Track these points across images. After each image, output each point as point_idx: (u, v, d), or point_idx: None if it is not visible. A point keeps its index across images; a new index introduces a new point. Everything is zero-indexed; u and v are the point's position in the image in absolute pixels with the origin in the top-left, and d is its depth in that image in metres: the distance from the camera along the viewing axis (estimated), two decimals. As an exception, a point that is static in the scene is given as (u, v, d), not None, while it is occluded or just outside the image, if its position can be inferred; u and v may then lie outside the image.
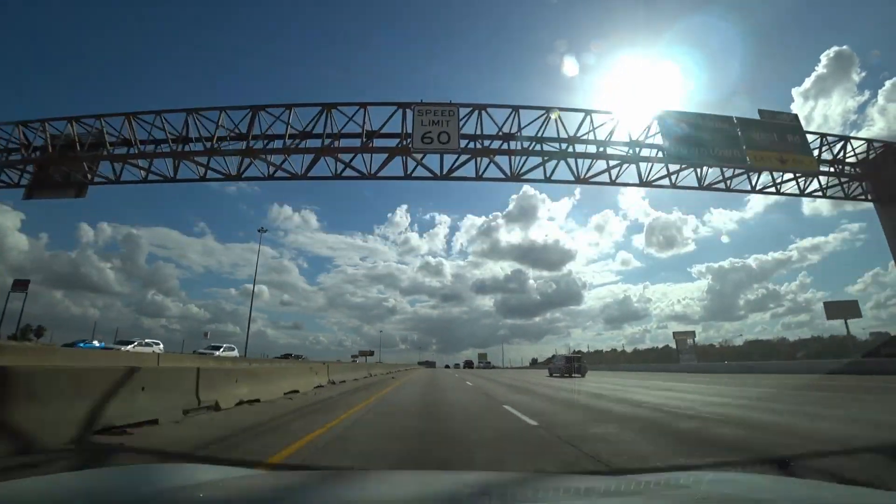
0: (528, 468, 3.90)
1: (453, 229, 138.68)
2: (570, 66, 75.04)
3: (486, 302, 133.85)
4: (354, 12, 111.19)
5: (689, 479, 1.82)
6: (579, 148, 15.94)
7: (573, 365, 29.76)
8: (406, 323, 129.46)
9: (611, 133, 15.98)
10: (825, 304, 34.67)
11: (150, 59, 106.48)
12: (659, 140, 15.92)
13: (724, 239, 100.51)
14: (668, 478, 1.90)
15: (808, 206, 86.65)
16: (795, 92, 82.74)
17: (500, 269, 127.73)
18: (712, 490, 1.63)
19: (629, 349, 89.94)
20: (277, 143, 15.72)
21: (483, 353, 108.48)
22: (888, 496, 1.93)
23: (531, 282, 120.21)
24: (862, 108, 76.10)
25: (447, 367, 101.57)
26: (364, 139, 15.48)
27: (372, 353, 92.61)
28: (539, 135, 15.76)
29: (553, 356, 74.03)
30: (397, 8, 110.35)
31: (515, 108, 15.74)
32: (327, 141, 15.47)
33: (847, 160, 17.88)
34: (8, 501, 1.31)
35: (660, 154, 16.00)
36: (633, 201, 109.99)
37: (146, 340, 30.30)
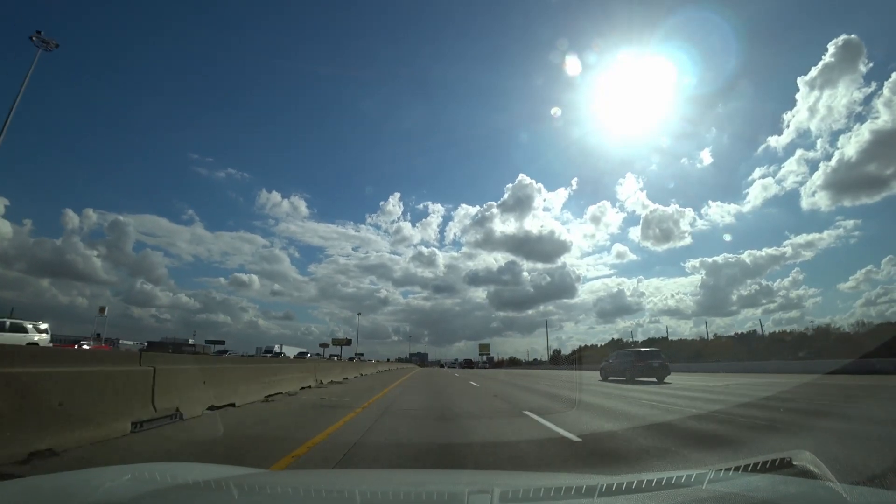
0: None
1: (447, 219, 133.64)
2: (571, 63, 73.95)
3: (480, 294, 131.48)
4: (347, 2, 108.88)
5: (689, 478, 1.82)
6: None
7: (648, 363, 18.56)
8: (398, 314, 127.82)
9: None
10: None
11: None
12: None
13: (727, 237, 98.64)
14: (668, 477, 1.90)
15: (806, 200, 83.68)
16: (801, 81, 78.13)
17: (493, 260, 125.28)
18: (712, 490, 1.64)
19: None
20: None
21: (485, 345, 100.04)
22: (888, 496, 1.95)
23: (525, 274, 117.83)
24: (868, 100, 74.34)
25: (441, 365, 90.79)
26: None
27: (349, 343, 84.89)
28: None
29: (623, 342, 55.00)
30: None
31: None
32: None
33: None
34: (8, 501, 1.33)
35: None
36: (631, 192, 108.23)
37: None
